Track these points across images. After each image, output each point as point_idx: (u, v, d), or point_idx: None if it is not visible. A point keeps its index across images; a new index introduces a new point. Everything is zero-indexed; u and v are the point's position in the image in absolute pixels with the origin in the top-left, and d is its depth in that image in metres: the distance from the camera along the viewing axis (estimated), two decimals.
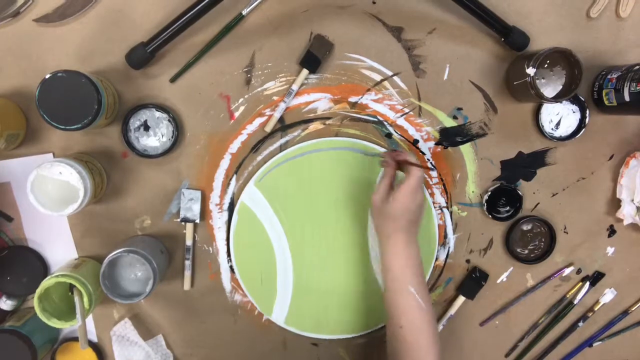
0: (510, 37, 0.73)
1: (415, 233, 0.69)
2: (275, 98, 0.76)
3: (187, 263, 0.77)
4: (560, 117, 0.77)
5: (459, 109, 0.77)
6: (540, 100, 0.69)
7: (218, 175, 0.77)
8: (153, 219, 0.77)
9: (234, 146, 0.76)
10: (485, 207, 0.78)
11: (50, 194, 0.66)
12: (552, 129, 0.77)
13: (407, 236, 0.67)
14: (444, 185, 0.78)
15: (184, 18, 0.68)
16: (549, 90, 0.71)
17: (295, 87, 0.74)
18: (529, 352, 0.82)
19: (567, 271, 0.81)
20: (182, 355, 0.80)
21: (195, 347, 0.80)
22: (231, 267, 0.78)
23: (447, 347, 0.81)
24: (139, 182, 0.76)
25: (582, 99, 0.76)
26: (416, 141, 0.77)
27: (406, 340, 0.66)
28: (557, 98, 0.70)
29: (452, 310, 0.80)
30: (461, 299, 0.80)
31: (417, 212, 0.67)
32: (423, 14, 0.75)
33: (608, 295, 0.81)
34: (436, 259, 0.80)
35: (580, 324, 0.82)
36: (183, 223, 0.77)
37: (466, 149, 0.78)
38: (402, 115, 0.77)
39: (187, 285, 0.78)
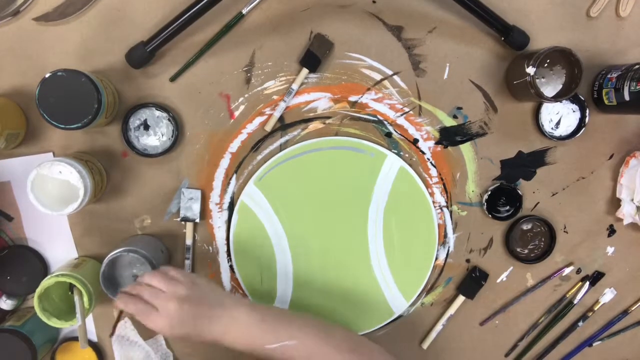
0: (510, 37, 0.73)
1: (211, 305, 0.62)
2: (275, 97, 0.76)
3: (187, 263, 0.77)
4: (560, 116, 0.77)
5: (459, 108, 0.77)
6: (540, 99, 0.69)
7: (218, 175, 0.77)
8: (153, 219, 0.77)
9: (234, 145, 0.76)
10: (485, 207, 0.78)
11: (50, 193, 0.66)
12: (552, 128, 0.77)
13: (215, 318, 0.62)
14: (443, 184, 0.78)
15: (184, 17, 0.68)
16: (549, 90, 0.71)
17: (295, 86, 0.74)
18: (529, 351, 0.82)
19: (567, 271, 0.81)
20: (182, 355, 0.80)
21: (195, 347, 0.80)
22: (231, 267, 0.78)
23: (447, 347, 0.81)
24: (138, 181, 0.76)
25: (582, 98, 0.76)
26: (416, 140, 0.77)
27: None
28: (557, 97, 0.70)
29: (452, 310, 0.80)
30: (461, 298, 0.80)
31: (177, 325, 0.60)
32: (423, 13, 0.75)
33: (608, 295, 0.81)
34: (436, 259, 0.80)
35: (580, 323, 0.82)
36: (183, 222, 0.77)
37: (466, 148, 0.78)
38: (402, 115, 0.77)
39: None
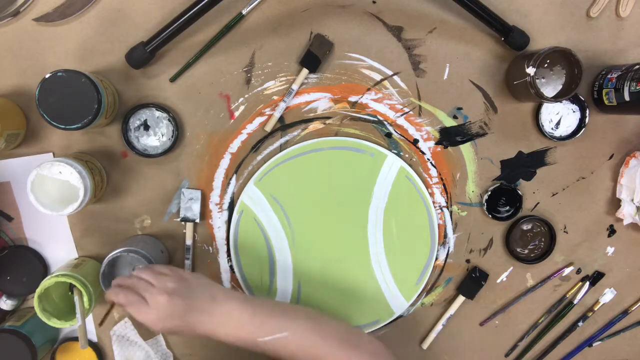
0: (510, 37, 0.73)
1: (208, 299, 0.62)
2: (275, 97, 0.76)
3: (187, 263, 0.77)
4: (560, 116, 0.77)
5: (459, 108, 0.77)
6: (540, 99, 0.69)
7: (218, 175, 0.77)
8: (153, 219, 0.77)
9: (234, 146, 0.76)
10: (485, 207, 0.78)
11: (50, 193, 0.66)
12: (552, 128, 0.77)
13: (207, 312, 0.61)
14: (443, 185, 0.78)
15: (184, 17, 0.68)
16: (549, 90, 0.71)
17: (295, 86, 0.74)
18: (529, 351, 0.82)
19: (567, 271, 0.81)
20: (182, 355, 0.80)
21: (195, 347, 0.80)
22: (231, 267, 0.78)
23: (447, 347, 0.81)
24: (139, 181, 0.76)
25: (582, 98, 0.76)
26: (416, 141, 0.77)
27: None
28: (557, 98, 0.70)
29: (452, 310, 0.80)
30: (461, 298, 0.80)
31: (167, 311, 0.60)
32: (423, 14, 0.75)
33: (608, 295, 0.81)
34: (436, 259, 0.80)
35: (580, 323, 0.82)
36: (183, 223, 0.77)
37: (466, 148, 0.78)
38: (402, 115, 0.77)
39: None
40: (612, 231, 0.80)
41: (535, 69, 0.68)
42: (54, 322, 0.68)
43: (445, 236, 0.80)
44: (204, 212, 0.77)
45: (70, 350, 0.79)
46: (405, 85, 0.76)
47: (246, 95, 0.75)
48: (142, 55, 0.70)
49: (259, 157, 0.77)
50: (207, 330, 0.62)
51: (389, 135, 0.77)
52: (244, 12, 0.73)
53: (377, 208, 0.77)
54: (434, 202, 0.78)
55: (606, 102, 0.73)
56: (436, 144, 0.78)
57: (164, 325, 0.60)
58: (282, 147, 0.77)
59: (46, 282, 0.67)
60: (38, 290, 0.67)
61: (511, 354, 0.83)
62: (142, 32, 0.73)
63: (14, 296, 0.76)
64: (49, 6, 0.72)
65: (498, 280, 0.81)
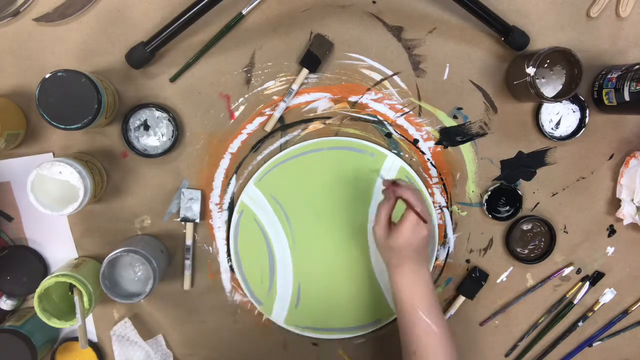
0: (510, 37, 0.73)
1: (425, 258, 0.68)
2: (275, 97, 0.76)
3: (187, 263, 0.77)
4: (560, 116, 0.77)
5: (459, 108, 0.77)
6: (540, 99, 0.69)
7: (218, 175, 0.77)
8: (153, 219, 0.77)
9: (234, 146, 0.76)
10: (485, 207, 0.78)
11: (50, 193, 0.66)
12: (552, 128, 0.77)
13: (414, 264, 0.67)
14: (443, 184, 0.78)
15: (184, 17, 0.68)
16: (549, 90, 0.71)
17: (295, 86, 0.74)
18: (529, 352, 0.82)
19: (567, 271, 0.81)
20: (182, 355, 0.80)
21: (195, 347, 0.80)
22: (231, 267, 0.78)
23: None
24: (139, 181, 0.76)
25: (582, 98, 0.76)
26: (416, 141, 0.77)
27: None
28: (557, 97, 0.70)
29: (452, 310, 0.80)
30: (461, 298, 0.80)
31: (421, 244, 0.66)
32: (423, 14, 0.75)
33: (608, 295, 0.81)
34: (436, 259, 0.80)
35: (580, 323, 0.82)
36: (183, 223, 0.77)
37: (466, 148, 0.78)
38: (402, 115, 0.77)
39: (187, 285, 0.78)
40: (612, 231, 0.80)
41: (535, 69, 0.68)
42: (54, 322, 0.68)
43: (445, 236, 0.80)
44: (204, 212, 0.77)
45: (70, 350, 0.79)
46: (405, 85, 0.76)
47: (246, 95, 0.75)
48: (142, 55, 0.70)
49: (259, 157, 0.77)
50: (409, 276, 0.67)
51: (389, 135, 0.77)
52: (244, 12, 0.73)
53: None
54: (434, 202, 0.78)
55: (606, 102, 0.73)
56: (436, 144, 0.78)
57: (414, 245, 0.66)
58: (282, 147, 0.77)
59: (46, 282, 0.67)
60: (38, 290, 0.67)
61: (511, 354, 0.83)
62: (142, 32, 0.73)
63: (14, 296, 0.76)
64: (49, 6, 0.72)
65: (498, 280, 0.81)
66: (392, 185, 0.67)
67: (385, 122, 0.77)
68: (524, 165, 0.78)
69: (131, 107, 0.73)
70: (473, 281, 0.79)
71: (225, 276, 0.79)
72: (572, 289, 0.81)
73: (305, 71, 0.74)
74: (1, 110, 0.69)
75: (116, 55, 0.73)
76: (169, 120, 0.74)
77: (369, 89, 0.76)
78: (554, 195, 0.79)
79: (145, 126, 0.74)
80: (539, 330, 0.82)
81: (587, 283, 0.80)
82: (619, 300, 0.82)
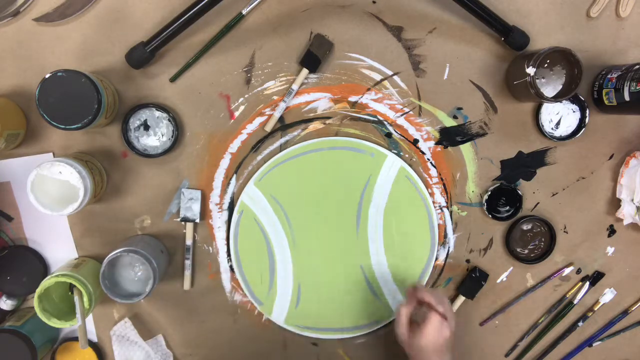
0: (510, 37, 0.73)
1: (448, 358, 0.69)
2: (275, 97, 0.76)
3: (187, 263, 0.77)
4: (560, 116, 0.77)
5: (459, 108, 0.77)
6: (540, 99, 0.69)
7: (218, 175, 0.77)
8: (153, 219, 0.77)
9: (234, 146, 0.76)
10: (485, 207, 0.78)
11: (50, 193, 0.66)
12: (552, 128, 0.77)
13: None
14: (443, 185, 0.78)
15: (184, 17, 0.68)
16: (549, 90, 0.71)
17: (295, 86, 0.74)
18: (529, 352, 0.82)
19: (567, 271, 0.81)
20: (182, 355, 0.80)
21: (195, 347, 0.80)
22: (231, 267, 0.78)
23: None
24: (139, 181, 0.76)
25: (582, 98, 0.76)
26: (416, 141, 0.77)
27: None
28: (557, 97, 0.70)
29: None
30: (461, 298, 0.80)
31: (445, 344, 0.68)
32: (423, 14, 0.75)
33: (608, 295, 0.81)
34: (436, 259, 0.80)
35: (580, 323, 0.82)
36: (183, 223, 0.77)
37: (466, 148, 0.78)
38: (402, 115, 0.77)
39: (187, 285, 0.78)
40: (612, 231, 0.80)
41: (535, 69, 0.68)
42: (54, 322, 0.68)
43: (445, 236, 0.80)
44: (204, 212, 0.77)
45: (70, 350, 0.79)
46: (405, 85, 0.76)
47: (246, 95, 0.75)
48: (142, 55, 0.70)
49: (259, 157, 0.77)
50: None
51: (389, 135, 0.77)
52: (244, 12, 0.73)
53: (377, 208, 0.77)
54: (434, 202, 0.78)
55: (606, 102, 0.73)
56: (436, 144, 0.78)
57: (438, 345, 0.67)
58: (282, 147, 0.77)
59: (46, 282, 0.67)
60: (38, 290, 0.67)
61: (511, 354, 0.83)
62: (142, 32, 0.73)
63: (14, 296, 0.76)
64: (49, 6, 0.72)
65: (498, 280, 0.81)
66: (415, 290, 0.70)
67: (385, 122, 0.77)
68: (524, 165, 0.78)
69: (131, 107, 0.73)
70: (473, 281, 0.79)
71: (225, 276, 0.79)
72: (572, 289, 0.81)
73: (305, 71, 0.74)
74: (1, 110, 0.69)
75: (116, 55, 0.73)
76: (169, 120, 0.74)
77: (369, 89, 0.76)
78: (554, 195, 0.79)
79: (145, 126, 0.74)
80: (539, 330, 0.82)
81: (587, 283, 0.80)
82: (619, 300, 0.82)
